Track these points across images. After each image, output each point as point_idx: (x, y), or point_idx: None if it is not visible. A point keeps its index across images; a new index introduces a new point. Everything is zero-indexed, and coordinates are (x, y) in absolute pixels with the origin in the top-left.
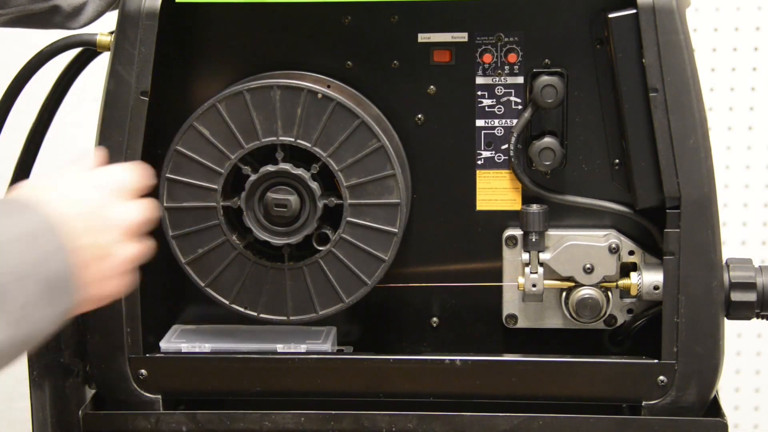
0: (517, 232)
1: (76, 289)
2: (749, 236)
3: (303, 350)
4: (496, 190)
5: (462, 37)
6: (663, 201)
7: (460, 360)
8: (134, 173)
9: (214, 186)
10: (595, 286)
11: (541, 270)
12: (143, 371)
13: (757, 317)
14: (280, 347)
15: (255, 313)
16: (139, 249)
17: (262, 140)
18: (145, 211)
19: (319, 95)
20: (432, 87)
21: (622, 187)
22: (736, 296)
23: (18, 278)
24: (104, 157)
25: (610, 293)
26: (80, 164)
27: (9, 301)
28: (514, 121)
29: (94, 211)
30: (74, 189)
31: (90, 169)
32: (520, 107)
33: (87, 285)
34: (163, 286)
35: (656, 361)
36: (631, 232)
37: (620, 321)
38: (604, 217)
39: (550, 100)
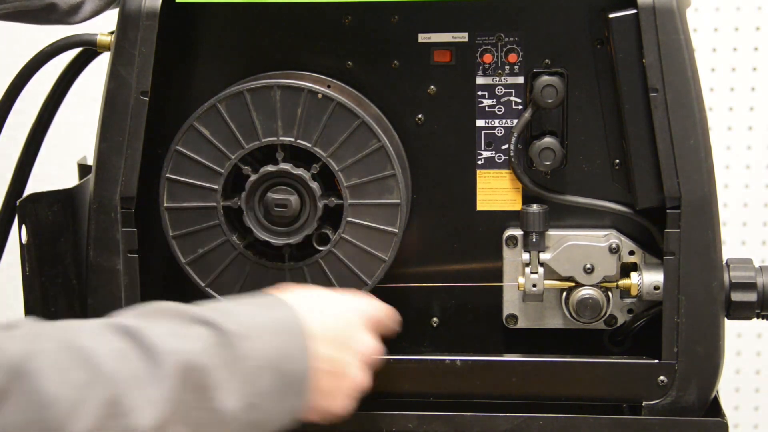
0: (518, 232)
1: (307, 394)
2: (749, 236)
3: None
4: (496, 190)
5: (462, 37)
6: (663, 201)
7: (460, 360)
8: (385, 310)
9: (214, 186)
10: (596, 286)
11: (541, 270)
12: None
13: (758, 317)
14: None
15: None
16: (366, 380)
17: (263, 140)
18: (378, 348)
19: (320, 95)
20: (432, 87)
21: (622, 187)
22: (737, 296)
23: (261, 366)
24: None
25: (610, 293)
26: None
27: (249, 384)
28: (515, 121)
29: (340, 331)
30: (329, 306)
31: (345, 295)
32: (520, 107)
33: (318, 394)
34: (163, 286)
35: (656, 361)
36: (631, 232)
37: (620, 321)
38: (605, 217)
39: (550, 100)
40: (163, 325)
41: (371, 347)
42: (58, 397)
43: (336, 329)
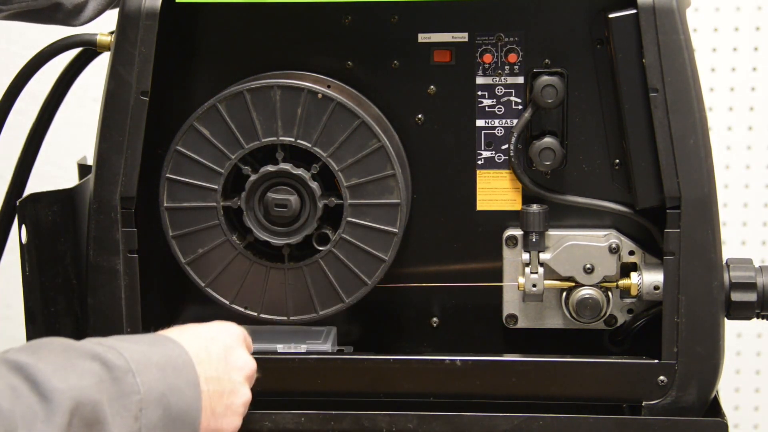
0: (518, 232)
1: (198, 424)
2: (749, 236)
3: (303, 350)
4: (496, 190)
5: (462, 37)
6: (663, 201)
7: (460, 360)
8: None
9: (214, 186)
10: (596, 286)
11: (541, 270)
12: None
13: (757, 317)
14: (280, 347)
15: (255, 313)
16: (250, 395)
17: (263, 140)
18: (254, 363)
19: (320, 95)
20: (432, 87)
21: (622, 187)
22: (737, 296)
23: (148, 400)
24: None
25: (610, 293)
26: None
27: (138, 418)
28: (515, 121)
29: (222, 353)
30: (206, 333)
31: (213, 323)
32: (520, 107)
33: (211, 417)
34: (163, 286)
35: (656, 361)
36: (631, 232)
37: (620, 321)
38: (604, 217)
39: (550, 100)
40: (52, 361)
41: (250, 363)
42: None
43: (217, 351)
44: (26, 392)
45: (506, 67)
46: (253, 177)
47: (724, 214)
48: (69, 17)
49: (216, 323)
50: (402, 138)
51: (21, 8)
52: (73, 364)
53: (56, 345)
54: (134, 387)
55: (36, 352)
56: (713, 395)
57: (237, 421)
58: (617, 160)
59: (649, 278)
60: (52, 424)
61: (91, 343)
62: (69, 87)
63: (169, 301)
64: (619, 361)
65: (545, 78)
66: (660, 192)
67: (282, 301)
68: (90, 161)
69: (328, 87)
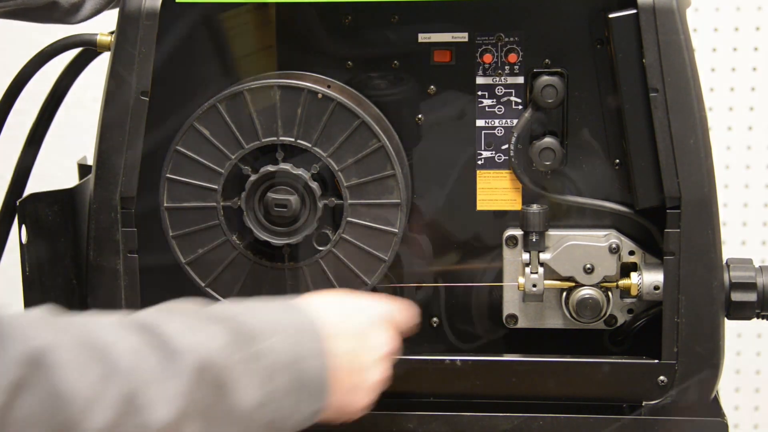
0: (518, 232)
1: (325, 395)
2: (749, 236)
3: None
4: (496, 190)
5: (462, 37)
6: (663, 201)
7: (460, 360)
8: (403, 311)
9: (214, 186)
10: (596, 286)
11: (541, 270)
12: None
13: (758, 317)
14: None
15: None
16: (386, 375)
17: (263, 140)
18: (396, 344)
19: (320, 95)
20: (432, 87)
21: (622, 187)
22: (737, 296)
23: (277, 365)
24: None
25: (610, 293)
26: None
27: (266, 382)
28: (515, 121)
29: (358, 328)
30: (346, 305)
31: (364, 296)
32: (520, 107)
33: (338, 392)
34: (163, 286)
35: (656, 361)
36: (631, 232)
37: (620, 321)
38: (604, 217)
39: (550, 100)
40: (181, 321)
41: (389, 344)
42: (75, 392)
43: (353, 326)
44: (151, 351)
45: (506, 67)
46: (253, 177)
47: (724, 214)
48: (66, 16)
49: (366, 297)
50: (402, 138)
51: (17, 5)
52: (203, 325)
53: (186, 307)
54: (264, 351)
55: (165, 313)
56: (713, 395)
57: (364, 400)
58: (617, 160)
59: (649, 278)
60: (177, 383)
61: (223, 307)
62: (69, 87)
63: (169, 301)
64: (619, 361)
65: (545, 78)
66: (660, 192)
67: None
68: (90, 161)
69: (328, 87)
